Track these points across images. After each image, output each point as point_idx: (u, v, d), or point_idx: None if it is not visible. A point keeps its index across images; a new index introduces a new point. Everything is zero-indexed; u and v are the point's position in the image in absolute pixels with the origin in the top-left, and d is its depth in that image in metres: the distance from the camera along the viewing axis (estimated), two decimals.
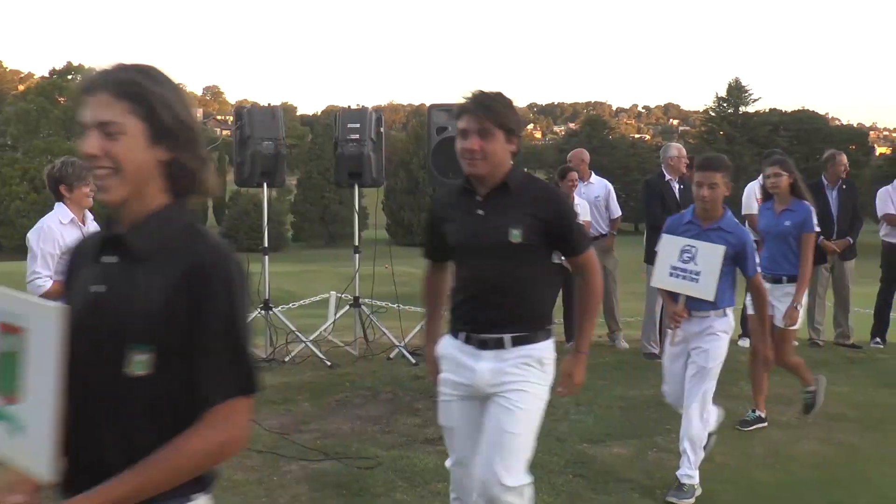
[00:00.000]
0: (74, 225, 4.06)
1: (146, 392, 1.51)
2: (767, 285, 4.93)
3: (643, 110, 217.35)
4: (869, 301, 8.28)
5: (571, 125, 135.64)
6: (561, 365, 2.89)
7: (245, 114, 6.90)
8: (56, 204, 4.15)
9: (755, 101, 72.16)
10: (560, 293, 7.30)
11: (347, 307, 7.29)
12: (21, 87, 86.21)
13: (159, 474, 1.48)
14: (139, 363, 1.50)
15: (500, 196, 2.71)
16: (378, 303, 7.51)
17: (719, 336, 4.05)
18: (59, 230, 4.01)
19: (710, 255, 3.94)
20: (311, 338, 7.02)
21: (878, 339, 8.00)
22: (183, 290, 1.51)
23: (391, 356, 6.79)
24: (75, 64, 67.63)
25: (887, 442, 5.01)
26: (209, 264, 1.54)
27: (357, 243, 7.44)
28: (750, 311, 5.01)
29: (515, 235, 2.66)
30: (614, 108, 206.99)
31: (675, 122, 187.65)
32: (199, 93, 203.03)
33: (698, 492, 4.04)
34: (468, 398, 2.80)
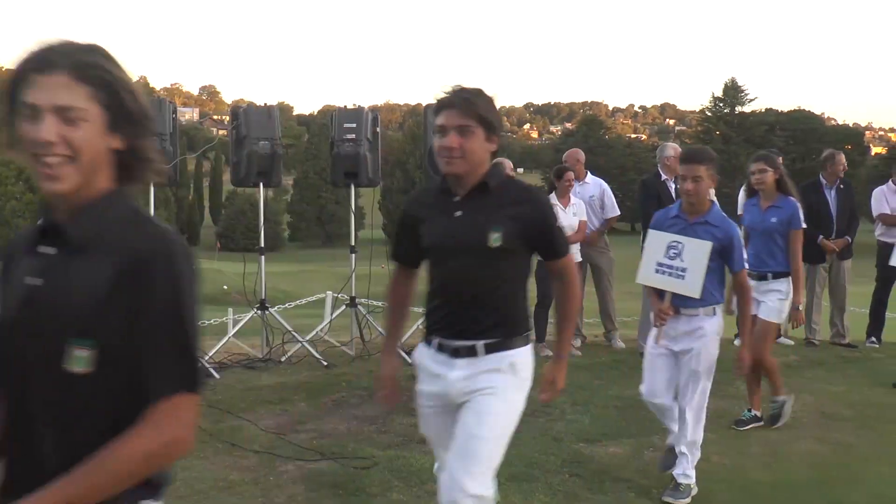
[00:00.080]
0: None
1: (88, 390, 1.42)
2: (753, 282, 4.88)
3: (639, 110, 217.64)
4: (864, 301, 8.31)
5: (568, 125, 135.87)
6: (542, 370, 2.80)
7: (241, 113, 6.89)
8: None
9: (751, 101, 72.55)
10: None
11: (344, 307, 7.29)
12: None
13: (100, 478, 1.38)
14: (79, 359, 1.41)
15: (479, 197, 2.58)
16: (374, 303, 7.50)
17: (709, 337, 3.96)
18: None
19: (697, 252, 3.86)
20: (308, 338, 7.02)
21: (873, 339, 8.03)
22: (124, 281, 1.41)
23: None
24: None
25: (883, 441, 5.02)
26: (153, 253, 1.44)
27: (353, 243, 7.44)
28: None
29: (495, 239, 2.52)
30: (611, 108, 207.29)
31: (672, 121, 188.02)
32: (195, 92, 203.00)
33: (694, 491, 4.04)
34: (444, 410, 2.69)
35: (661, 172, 7.32)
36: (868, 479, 4.40)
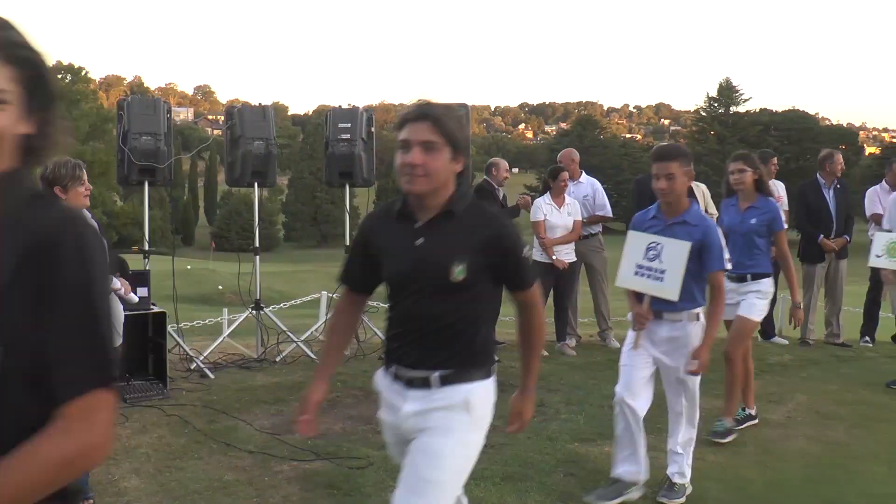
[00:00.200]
0: None
1: None
2: (733, 284, 4.86)
3: (634, 110, 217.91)
4: (858, 300, 8.34)
5: (563, 125, 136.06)
6: (509, 402, 2.66)
7: (236, 113, 6.88)
8: None
9: (746, 101, 72.67)
10: (551, 292, 7.35)
11: None
12: None
13: (5, 490, 1.20)
14: None
15: (442, 224, 2.37)
16: (370, 303, 7.50)
17: (694, 346, 3.83)
18: None
19: (676, 252, 3.74)
20: (303, 338, 7.02)
21: (867, 338, 8.07)
22: (28, 267, 1.25)
23: (382, 356, 6.77)
24: (65, 63, 67.32)
25: (876, 440, 5.04)
26: (60, 235, 1.28)
27: (348, 243, 7.44)
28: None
29: (459, 272, 2.32)
30: (605, 108, 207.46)
31: (667, 121, 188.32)
32: (190, 92, 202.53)
33: (689, 490, 4.05)
34: (399, 441, 2.51)
35: None
36: (861, 477, 4.41)
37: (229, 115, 6.98)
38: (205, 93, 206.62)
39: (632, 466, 3.95)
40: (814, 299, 7.93)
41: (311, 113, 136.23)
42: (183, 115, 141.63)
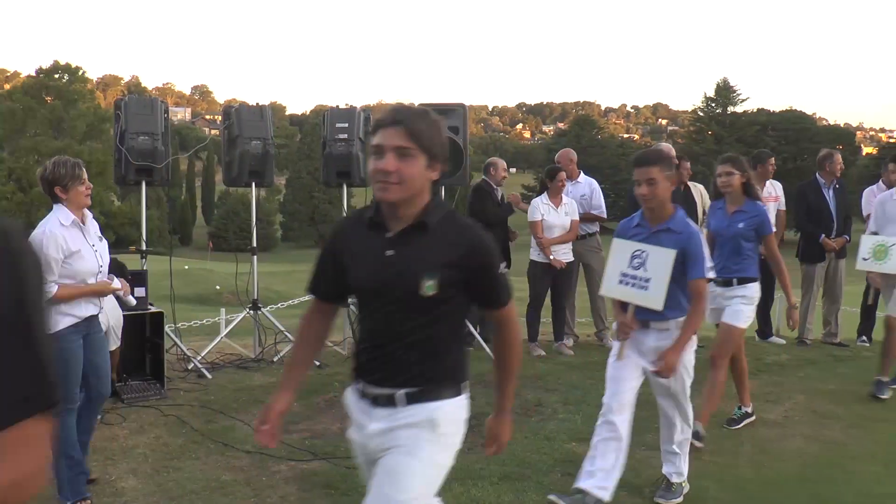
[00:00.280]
0: (76, 226, 3.93)
1: None
2: (718, 288, 4.83)
3: (632, 110, 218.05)
4: (855, 300, 8.35)
5: (560, 125, 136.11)
6: (486, 425, 2.57)
7: (233, 113, 6.88)
8: (55, 206, 3.95)
9: (743, 101, 72.76)
10: (549, 291, 7.36)
11: None
12: (7, 86, 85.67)
13: None
14: None
15: (414, 235, 2.25)
16: None
17: (685, 356, 3.76)
18: (61, 234, 3.85)
19: (661, 260, 3.65)
20: None
21: (864, 338, 8.08)
22: None
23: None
24: (62, 63, 67.21)
25: (873, 439, 5.05)
26: None
27: None
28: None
29: (429, 287, 2.21)
30: (603, 108, 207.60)
31: (664, 121, 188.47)
32: (187, 92, 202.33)
33: (686, 489, 4.05)
34: (369, 461, 2.39)
35: None
36: (858, 477, 4.42)
37: (227, 114, 6.97)
38: (202, 92, 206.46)
39: (603, 482, 3.76)
40: (813, 299, 7.95)
41: (308, 113, 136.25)
42: (180, 114, 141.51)
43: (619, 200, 45.35)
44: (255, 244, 7.18)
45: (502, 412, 2.54)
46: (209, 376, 6.22)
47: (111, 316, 4.97)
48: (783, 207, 7.95)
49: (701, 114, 72.83)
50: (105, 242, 4.15)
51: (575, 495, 3.75)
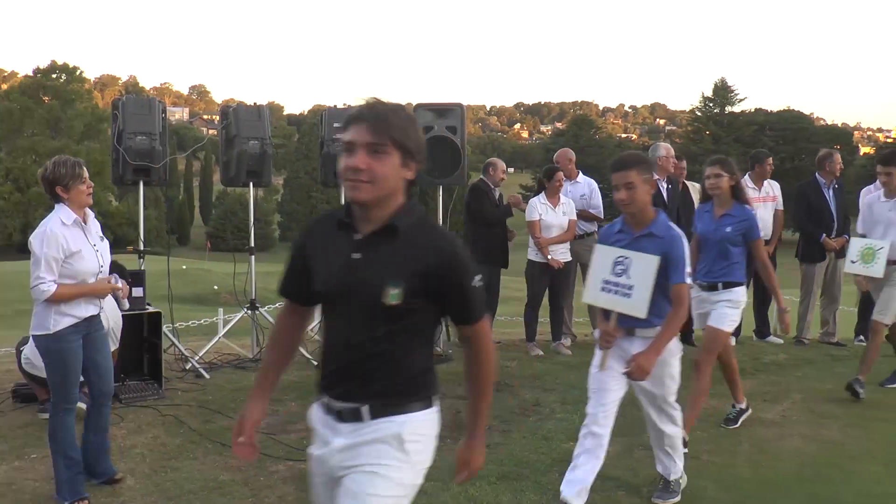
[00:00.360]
0: (77, 226, 3.91)
1: None
2: (704, 293, 4.80)
3: (630, 110, 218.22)
4: (853, 299, 8.35)
5: (558, 125, 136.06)
6: (456, 451, 2.37)
7: (231, 113, 6.87)
8: (56, 205, 3.94)
9: (741, 100, 72.86)
10: (547, 291, 7.36)
11: None
12: (4, 86, 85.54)
13: None
14: None
15: (383, 239, 2.11)
16: None
17: (670, 363, 3.73)
18: (61, 233, 3.83)
19: (644, 267, 3.59)
20: None
21: (861, 337, 8.08)
22: None
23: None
24: (60, 63, 67.16)
25: (871, 439, 5.06)
26: None
27: None
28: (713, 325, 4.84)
29: (393, 296, 2.07)
30: (601, 108, 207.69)
31: (662, 121, 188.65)
32: (185, 92, 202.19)
33: (684, 483, 4.05)
34: (327, 481, 2.25)
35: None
36: (856, 476, 4.42)
37: (224, 114, 6.97)
38: (200, 92, 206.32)
39: (584, 495, 3.75)
40: (812, 299, 7.96)
41: (306, 113, 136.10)
42: (178, 114, 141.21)
43: None
44: (252, 244, 7.17)
45: (473, 437, 2.37)
46: (207, 376, 6.21)
47: (111, 317, 4.97)
48: (781, 207, 7.96)
49: (699, 113, 72.91)
50: (106, 242, 4.15)
51: None
